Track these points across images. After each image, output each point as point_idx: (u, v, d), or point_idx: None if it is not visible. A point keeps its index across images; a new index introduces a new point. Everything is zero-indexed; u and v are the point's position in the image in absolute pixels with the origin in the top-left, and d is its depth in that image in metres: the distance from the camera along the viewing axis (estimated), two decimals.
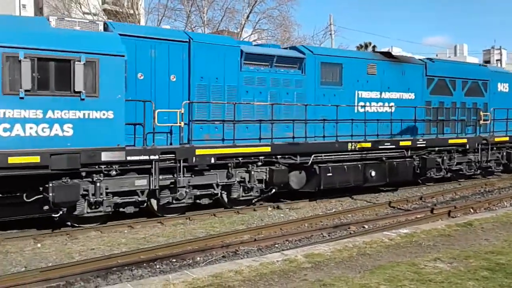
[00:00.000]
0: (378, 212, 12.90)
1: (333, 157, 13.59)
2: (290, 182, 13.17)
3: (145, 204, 10.89)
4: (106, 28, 10.46)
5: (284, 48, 14.41)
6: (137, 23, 26.77)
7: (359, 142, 14.10)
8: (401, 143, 15.16)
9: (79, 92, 9.40)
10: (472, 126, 17.97)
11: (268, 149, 12.19)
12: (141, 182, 10.51)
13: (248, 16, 30.12)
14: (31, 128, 9.00)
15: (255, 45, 13.70)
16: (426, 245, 7.95)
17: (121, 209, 10.63)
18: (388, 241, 8.10)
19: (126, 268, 7.62)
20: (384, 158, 14.70)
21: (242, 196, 12.20)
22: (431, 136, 16.29)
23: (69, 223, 10.39)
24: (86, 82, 9.49)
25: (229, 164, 11.67)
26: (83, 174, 9.77)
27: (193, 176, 11.28)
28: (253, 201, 12.80)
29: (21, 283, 6.77)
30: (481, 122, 17.89)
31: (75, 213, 9.90)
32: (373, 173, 14.41)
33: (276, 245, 9.34)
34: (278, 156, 12.53)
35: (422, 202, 14.38)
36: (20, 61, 8.78)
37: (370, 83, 14.91)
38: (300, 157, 12.95)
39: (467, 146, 17.09)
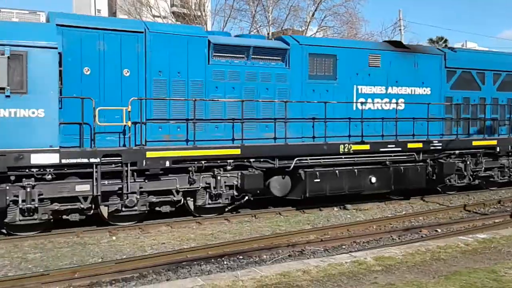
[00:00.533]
0: (452, 215, 12.24)
1: (322, 160, 11.96)
2: (271, 188, 11.72)
3: (91, 211, 9.90)
4: (48, 19, 9.60)
5: (271, 40, 12.89)
6: (203, 24, 26.44)
7: (354, 143, 12.35)
8: (410, 145, 13.19)
9: (3, 88, 8.56)
10: (508, 126, 15.51)
11: (237, 151, 10.82)
12: (83, 188, 9.50)
13: (313, 14, 28.94)
14: None
15: (235, 36, 12.34)
16: (506, 251, 7.52)
17: (64, 217, 9.72)
18: (464, 246, 7.77)
19: (195, 263, 7.81)
20: (388, 163, 12.82)
21: (209, 204, 10.91)
22: (450, 137, 14.12)
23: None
24: (13, 77, 8.64)
25: (190, 168, 10.43)
26: (12, 178, 8.93)
27: (146, 181, 10.15)
28: (226, 209, 11.48)
29: (98, 273, 7.13)
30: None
31: (6, 220, 9.09)
32: (373, 179, 12.59)
33: (343, 246, 9.16)
34: (251, 160, 11.12)
35: (500, 206, 13.33)
36: None
37: (372, 76, 13.09)
38: (280, 161, 11.45)
39: (497, 149, 14.71)
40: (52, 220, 9.59)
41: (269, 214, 11.79)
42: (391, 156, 12.91)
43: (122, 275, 7.17)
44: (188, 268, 7.63)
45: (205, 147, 10.55)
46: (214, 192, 10.73)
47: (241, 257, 8.22)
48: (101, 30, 9.95)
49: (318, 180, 11.84)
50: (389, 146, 12.80)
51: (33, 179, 9.03)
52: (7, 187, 8.87)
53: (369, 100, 13.07)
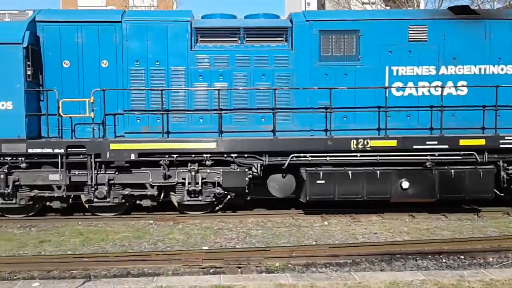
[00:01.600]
0: None
1: (328, 158, 9.97)
2: (269, 188, 10.33)
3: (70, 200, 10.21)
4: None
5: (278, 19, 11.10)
6: (415, 7, 25.40)
7: (373, 138, 9.93)
8: (463, 142, 9.99)
9: None
10: None
11: (212, 145, 9.78)
12: (55, 177, 9.87)
13: None
14: None
15: (246, 16, 11.02)
16: None
17: (48, 203, 10.27)
18: None
19: (410, 257, 7.64)
20: (428, 164, 9.97)
21: (188, 201, 10.15)
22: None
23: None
24: None
25: (161, 162, 9.85)
26: None
27: (117, 173, 9.97)
28: (216, 208, 10.54)
29: (314, 255, 7.52)
30: None
31: None
32: (405, 185, 9.96)
33: None
34: (233, 155, 9.92)
35: None
36: None
37: (415, 53, 10.32)
38: (271, 157, 9.95)
39: None
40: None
41: (495, 213, 10.60)
42: (435, 155, 10.00)
43: (335, 260, 7.40)
44: (403, 261, 7.46)
45: (176, 140, 9.83)
46: (190, 188, 9.94)
47: (462, 256, 7.70)
48: (79, 22, 10.11)
49: (322, 181, 9.91)
50: (428, 142, 9.92)
51: (7, 166, 9.75)
52: None
53: (410, 84, 10.35)
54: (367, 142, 9.88)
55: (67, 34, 10.06)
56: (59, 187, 9.92)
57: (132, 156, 9.71)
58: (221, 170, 9.95)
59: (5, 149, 9.54)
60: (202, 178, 10.00)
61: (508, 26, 10.39)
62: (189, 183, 9.92)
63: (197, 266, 7.06)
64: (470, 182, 10.02)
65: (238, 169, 9.91)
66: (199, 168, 9.99)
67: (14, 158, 9.73)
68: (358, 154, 9.97)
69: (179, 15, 10.27)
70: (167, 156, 9.82)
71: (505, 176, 10.17)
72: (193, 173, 9.89)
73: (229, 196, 10.18)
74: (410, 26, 10.31)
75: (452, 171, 10.01)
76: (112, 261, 7.19)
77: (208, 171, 10.02)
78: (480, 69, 10.42)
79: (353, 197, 10.04)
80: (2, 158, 9.71)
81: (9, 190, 9.73)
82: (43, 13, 10.20)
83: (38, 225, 9.79)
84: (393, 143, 9.89)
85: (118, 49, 10.10)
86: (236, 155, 9.91)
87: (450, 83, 10.38)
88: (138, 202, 10.35)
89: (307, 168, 9.96)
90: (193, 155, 9.88)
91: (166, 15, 10.42)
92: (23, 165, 9.78)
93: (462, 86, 10.37)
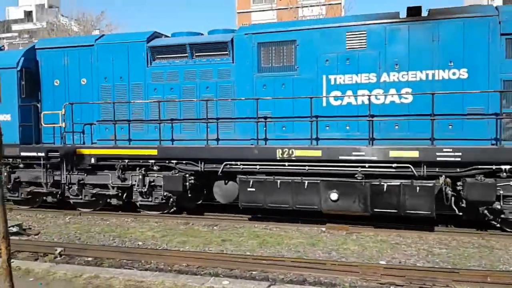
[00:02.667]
0: None
1: (258, 167, 10.21)
2: (213, 193, 10.98)
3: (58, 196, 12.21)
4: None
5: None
6: None
7: (298, 148, 9.86)
8: (394, 154, 9.30)
9: None
10: None
11: (154, 152, 10.80)
12: (40, 175, 11.99)
13: None
14: None
15: (188, 34, 11.69)
16: None
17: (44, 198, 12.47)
18: None
19: None
20: (359, 176, 9.53)
21: (141, 201, 11.32)
22: (479, 145, 9.00)
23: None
24: None
25: (116, 166, 11.22)
26: (4, 165, 12.25)
27: (86, 175, 11.64)
28: (171, 210, 11.50)
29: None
30: None
31: None
32: (334, 196, 9.69)
33: None
34: (173, 161, 10.79)
35: None
36: None
37: (354, 61, 9.93)
38: (207, 164, 10.58)
39: None
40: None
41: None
42: (364, 167, 9.52)
43: None
44: None
45: (123, 147, 11.13)
46: (139, 190, 11.12)
47: None
48: (65, 48, 12.12)
49: (253, 189, 10.21)
50: (354, 153, 9.47)
51: (9, 166, 12.15)
52: None
53: (349, 92, 9.98)
54: (292, 152, 9.87)
55: (56, 57, 12.14)
56: (46, 184, 11.99)
57: (92, 160, 11.30)
58: (162, 174, 10.93)
59: (6, 152, 11.93)
60: (150, 182, 11.10)
61: (460, 25, 9.34)
62: (138, 185, 11.11)
63: (375, 281, 6.78)
64: (406, 197, 9.27)
65: (177, 174, 10.75)
66: (148, 172, 11.11)
67: (14, 160, 12.09)
68: (286, 164, 10.01)
69: (137, 37, 11.57)
70: (120, 161, 11.16)
71: (449, 192, 9.16)
72: (140, 176, 11.06)
73: (171, 199, 11.08)
74: (347, 33, 9.97)
75: (385, 184, 9.39)
76: (289, 266, 7.36)
77: (156, 175, 11.07)
78: (427, 75, 9.54)
79: (282, 206, 10.10)
80: (5, 160, 12.15)
81: (11, 185, 12.13)
82: (40, 42, 12.50)
83: (220, 225, 10.59)
84: (318, 153, 9.70)
85: (93, 68, 11.82)
86: (175, 161, 10.79)
87: (392, 91, 9.72)
88: (108, 200, 11.89)
89: (240, 176, 10.35)
90: (141, 161, 11.05)
91: (127, 38, 11.79)
92: (21, 165, 12.09)
93: (407, 93, 9.62)
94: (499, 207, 8.96)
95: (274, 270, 7.27)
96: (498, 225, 9.31)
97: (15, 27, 56.18)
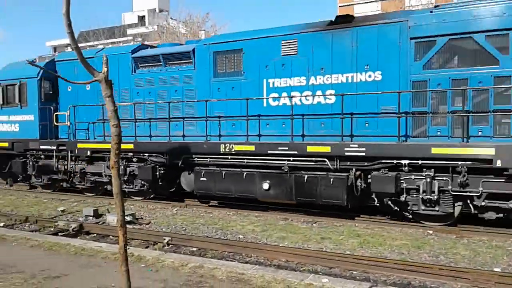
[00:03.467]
0: None
1: (208, 159, 11.84)
2: (181, 182, 12.81)
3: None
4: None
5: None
6: None
7: (237, 143, 11.30)
8: (311, 149, 10.40)
9: (19, 104, 14.97)
10: None
11: (131, 146, 12.87)
12: (54, 164, 14.68)
13: None
14: (5, 124, 15.49)
15: (169, 45, 13.39)
16: None
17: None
18: None
19: None
20: (285, 169, 10.76)
21: (125, 188, 13.46)
22: (388, 141, 9.77)
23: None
24: (19, 96, 14.91)
25: (106, 158, 13.49)
26: (28, 155, 15.21)
27: (87, 165, 14.07)
28: (151, 196, 13.52)
29: None
30: None
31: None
32: (265, 186, 11.02)
33: None
34: (146, 154, 12.78)
35: None
36: None
37: (287, 66, 11.16)
38: (171, 157, 12.42)
39: (498, 162, 8.60)
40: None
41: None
42: (289, 160, 10.72)
43: None
44: None
45: (109, 142, 13.27)
46: (123, 178, 13.28)
47: None
48: (75, 59, 14.55)
49: (205, 179, 11.86)
50: (280, 148, 10.71)
51: (33, 157, 15.01)
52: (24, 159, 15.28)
53: (284, 94, 11.23)
54: (232, 147, 11.35)
55: (69, 68, 14.65)
56: (61, 172, 14.66)
57: (88, 153, 13.67)
58: (137, 165, 12.97)
59: (31, 146, 14.80)
60: (130, 171, 13.20)
61: (375, 31, 10.16)
62: (122, 174, 13.28)
63: None
64: (322, 187, 10.34)
65: (148, 166, 12.72)
66: (129, 163, 13.22)
67: (37, 152, 14.92)
68: (229, 157, 11.52)
69: (125, 49, 13.74)
70: (108, 153, 13.38)
71: (358, 184, 10.07)
72: (122, 167, 13.20)
73: (145, 186, 13.09)
74: (282, 41, 11.20)
75: (306, 176, 10.52)
76: (392, 267, 7.07)
77: (134, 166, 13.15)
78: (347, 77, 10.49)
79: (226, 193, 11.61)
80: (31, 151, 15.02)
81: (34, 172, 14.99)
82: (59, 55, 15.23)
83: (319, 222, 10.51)
84: (252, 148, 11.08)
85: None
86: (148, 154, 12.77)
87: (319, 92, 10.80)
88: (105, 186, 14.22)
89: (195, 168, 12.05)
90: (122, 153, 13.19)
91: (118, 50, 14.00)
92: (42, 156, 14.89)
93: (330, 95, 10.64)
94: (403, 199, 9.69)
95: (376, 271, 7.04)
96: (410, 216, 9.99)
97: (130, 31, 59.91)
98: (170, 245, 8.81)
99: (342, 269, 7.25)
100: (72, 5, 4.12)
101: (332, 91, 10.64)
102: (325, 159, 10.29)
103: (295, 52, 11.04)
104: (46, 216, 11.75)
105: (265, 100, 11.43)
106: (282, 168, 10.78)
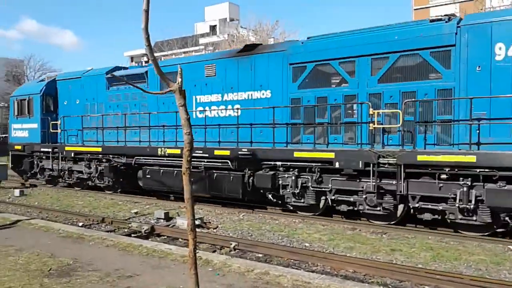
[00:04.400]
0: None
1: (151, 160, 14.74)
2: (138, 179, 15.81)
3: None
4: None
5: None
6: None
7: (169, 147, 14.09)
8: (217, 152, 12.99)
9: (28, 115, 18.73)
10: (400, 133, 10.50)
11: (100, 149, 16.06)
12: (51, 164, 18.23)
13: None
14: (19, 130, 19.35)
15: (136, 67, 16.42)
16: None
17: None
18: None
19: None
20: (201, 168, 13.42)
21: (97, 183, 16.63)
22: (263, 146, 12.21)
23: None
24: (28, 109, 18.66)
25: (84, 158, 16.78)
26: (36, 156, 18.91)
27: (73, 164, 17.45)
28: (118, 190, 16.62)
29: None
30: (372, 126, 10.32)
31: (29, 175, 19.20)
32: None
33: None
34: (111, 156, 15.89)
35: None
36: (13, 102, 19.36)
37: (209, 86, 13.83)
38: (127, 158, 15.44)
39: (336, 164, 10.78)
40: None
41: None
42: (204, 161, 13.35)
43: None
44: None
45: (86, 145, 16.58)
46: (95, 175, 16.50)
47: None
48: (69, 79, 18.17)
49: (149, 176, 14.77)
50: (197, 152, 13.36)
51: (39, 158, 18.68)
52: (32, 160, 18.99)
53: (207, 108, 13.90)
54: (166, 150, 14.16)
55: (65, 86, 18.27)
56: (55, 170, 18.19)
57: (72, 154, 17.05)
58: (104, 165, 16.11)
59: (35, 148, 18.48)
60: (100, 170, 16.39)
61: (266, 58, 12.59)
62: (94, 171, 16.52)
63: None
64: (226, 183, 12.88)
65: (112, 165, 15.81)
66: (100, 163, 16.42)
67: (40, 153, 18.57)
68: (165, 159, 14.33)
69: (102, 71, 17.00)
70: (88, 155, 16.69)
71: (250, 182, 12.51)
72: (94, 166, 16.42)
73: (110, 182, 16.21)
74: (205, 66, 13.89)
75: (215, 174, 13.11)
76: (467, 284, 6.75)
77: (103, 165, 16.31)
78: (248, 95, 12.99)
79: (163, 188, 14.42)
80: (36, 153, 18.71)
81: (38, 170, 18.67)
82: (59, 75, 18.84)
83: (389, 233, 10.13)
84: (178, 151, 13.81)
85: (81, 93, 17.62)
86: (112, 156, 15.88)
87: (229, 107, 13.36)
88: (91, 183, 17.53)
89: (143, 167, 14.99)
90: (95, 155, 16.42)
91: (98, 71, 17.27)
92: (44, 157, 18.52)
93: (237, 108, 13.19)
94: (281, 193, 12.03)
95: (450, 287, 6.75)
96: (292, 207, 12.27)
97: (201, 40, 61.00)
98: (237, 250, 8.91)
99: (413, 283, 6.96)
100: (150, 16, 4.19)
101: (238, 106, 13.17)
102: (227, 161, 12.83)
103: (214, 74, 13.69)
104: (120, 218, 12.40)
105: (193, 113, 14.14)
106: (199, 167, 13.43)
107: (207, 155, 13.19)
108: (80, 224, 11.71)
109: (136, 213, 13.02)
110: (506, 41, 9.12)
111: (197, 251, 4.98)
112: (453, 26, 9.74)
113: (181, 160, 12.60)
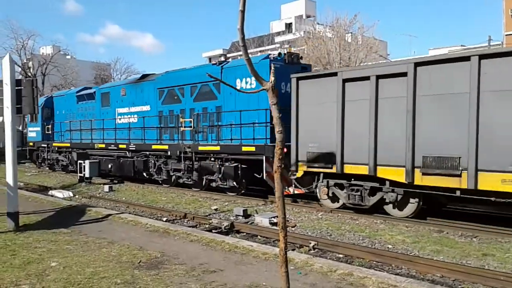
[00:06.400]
0: None
1: (93, 152, 22.10)
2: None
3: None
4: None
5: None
6: None
7: (99, 143, 21.34)
8: (120, 146, 20.02)
9: (35, 121, 26.94)
10: (204, 132, 16.77)
11: (68, 144, 23.72)
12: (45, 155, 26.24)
13: None
14: (31, 132, 27.69)
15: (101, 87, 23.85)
16: None
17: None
18: None
19: None
20: (115, 157, 20.49)
21: (70, 170, 24.26)
22: (140, 142, 19.20)
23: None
24: (36, 117, 26.86)
25: (63, 151, 24.52)
26: (40, 150, 27.06)
27: (59, 155, 25.28)
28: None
29: None
30: (182, 129, 16.66)
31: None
32: (110, 166, 20.83)
33: None
34: (75, 149, 23.43)
35: None
36: None
37: (124, 102, 20.83)
38: (82, 150, 22.88)
39: (168, 153, 17.31)
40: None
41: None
42: (117, 152, 20.43)
43: None
44: None
45: (61, 141, 24.33)
46: (68, 163, 24.21)
47: None
48: (59, 96, 26.10)
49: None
50: (112, 146, 20.46)
51: (41, 151, 26.82)
52: (38, 152, 27.19)
53: (122, 116, 20.94)
54: (97, 145, 21.40)
55: (58, 100, 26.17)
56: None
57: (56, 148, 24.88)
58: (71, 156, 23.74)
59: (38, 145, 26.63)
60: (71, 158, 24.01)
61: (149, 84, 19.29)
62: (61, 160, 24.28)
63: None
64: (126, 167, 19.80)
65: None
66: (70, 154, 24.09)
67: (43, 147, 26.68)
68: (98, 151, 21.58)
69: (74, 91, 24.59)
70: (64, 148, 24.46)
71: (136, 164, 19.37)
72: (68, 156, 24.10)
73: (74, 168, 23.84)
74: (121, 89, 20.91)
75: (121, 160, 20.08)
76: None
77: (71, 156, 23.92)
78: (140, 108, 19.80)
79: (103, 171, 21.65)
80: (40, 148, 26.84)
81: (40, 160, 26.84)
82: (55, 93, 26.85)
83: (480, 237, 9.69)
84: (103, 145, 20.96)
85: (65, 106, 25.39)
86: (75, 149, 23.45)
87: (132, 116, 20.26)
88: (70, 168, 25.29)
89: (90, 156, 22.35)
90: (65, 148, 24.13)
91: (72, 91, 24.87)
92: (44, 150, 26.63)
93: (135, 117, 20.05)
94: (150, 172, 18.73)
95: None
96: (160, 181, 18.90)
97: (277, 39, 59.56)
98: (316, 250, 8.84)
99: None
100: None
101: (137, 115, 20.04)
102: (126, 151, 19.76)
103: (125, 94, 20.66)
104: (201, 214, 12.75)
105: (116, 120, 21.21)
106: (113, 156, 20.50)
107: (115, 148, 20.26)
108: (164, 219, 12.09)
109: (216, 209, 13.40)
110: (240, 77, 15.14)
111: (288, 250, 4.86)
112: (219, 68, 15.86)
113: (108, 151, 19.64)
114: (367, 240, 9.65)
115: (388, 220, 11.30)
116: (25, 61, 54.33)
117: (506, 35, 43.41)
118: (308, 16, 63.51)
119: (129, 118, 20.46)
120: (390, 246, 9.13)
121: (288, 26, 63.81)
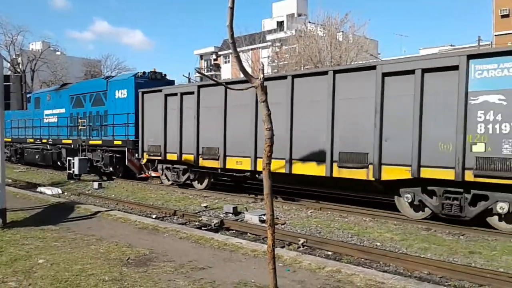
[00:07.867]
0: None
1: (27, 145, 27.27)
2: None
3: None
4: None
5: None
6: None
7: (31, 138, 26.21)
8: (43, 140, 25.12)
9: None
10: (97, 130, 21.26)
11: (9, 139, 28.58)
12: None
13: None
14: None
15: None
16: None
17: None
18: None
19: None
20: (40, 149, 25.42)
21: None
22: (55, 137, 24.06)
23: None
24: None
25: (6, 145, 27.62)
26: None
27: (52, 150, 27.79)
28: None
29: None
30: (80, 127, 21.77)
31: None
32: (38, 157, 25.65)
33: None
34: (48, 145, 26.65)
35: None
36: None
37: (49, 105, 25.45)
38: (20, 144, 27.95)
39: (72, 145, 22.47)
40: None
41: None
42: (43, 146, 25.30)
43: None
44: None
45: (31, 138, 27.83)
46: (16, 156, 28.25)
47: None
48: (44, 92, 25.99)
49: (26, 154, 27.29)
50: (38, 140, 25.55)
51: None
52: None
53: (47, 117, 25.43)
54: (29, 140, 26.44)
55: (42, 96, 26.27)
56: None
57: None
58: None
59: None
60: (19, 152, 28.54)
61: (64, 91, 24.10)
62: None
63: None
64: (47, 157, 24.49)
65: (17, 148, 27.96)
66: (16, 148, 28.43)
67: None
68: (31, 144, 26.41)
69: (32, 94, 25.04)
70: (14, 142, 28.85)
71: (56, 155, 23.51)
72: (45, 151, 26.76)
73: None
74: (47, 94, 25.79)
75: (46, 152, 24.78)
76: None
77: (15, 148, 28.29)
78: (59, 111, 24.39)
79: (31, 161, 25.58)
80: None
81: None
82: (39, 91, 26.91)
83: (467, 235, 9.76)
84: (33, 140, 26.18)
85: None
86: (12, 143, 28.22)
87: (54, 117, 24.76)
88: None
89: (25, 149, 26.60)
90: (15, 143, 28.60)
91: (39, 93, 25.21)
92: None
93: (57, 118, 24.53)
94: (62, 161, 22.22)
95: None
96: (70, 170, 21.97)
97: (269, 37, 58.37)
98: (305, 247, 8.82)
99: (494, 287, 6.66)
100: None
101: (56, 116, 24.55)
102: (47, 145, 24.56)
103: (50, 99, 25.37)
104: (191, 211, 12.68)
105: (44, 119, 25.63)
106: (39, 148, 25.32)
107: (40, 142, 25.26)
108: (154, 216, 12.06)
109: (206, 207, 13.39)
110: (118, 89, 19.96)
111: (267, 246, 4.89)
112: (105, 81, 21.02)
113: (36, 144, 26.50)
114: (356, 237, 9.75)
115: (377, 218, 11.50)
116: (14, 56, 54.14)
117: (495, 35, 43.50)
118: (299, 15, 63.07)
119: (51, 118, 24.95)
120: (378, 244, 9.19)
121: (280, 24, 63.48)
